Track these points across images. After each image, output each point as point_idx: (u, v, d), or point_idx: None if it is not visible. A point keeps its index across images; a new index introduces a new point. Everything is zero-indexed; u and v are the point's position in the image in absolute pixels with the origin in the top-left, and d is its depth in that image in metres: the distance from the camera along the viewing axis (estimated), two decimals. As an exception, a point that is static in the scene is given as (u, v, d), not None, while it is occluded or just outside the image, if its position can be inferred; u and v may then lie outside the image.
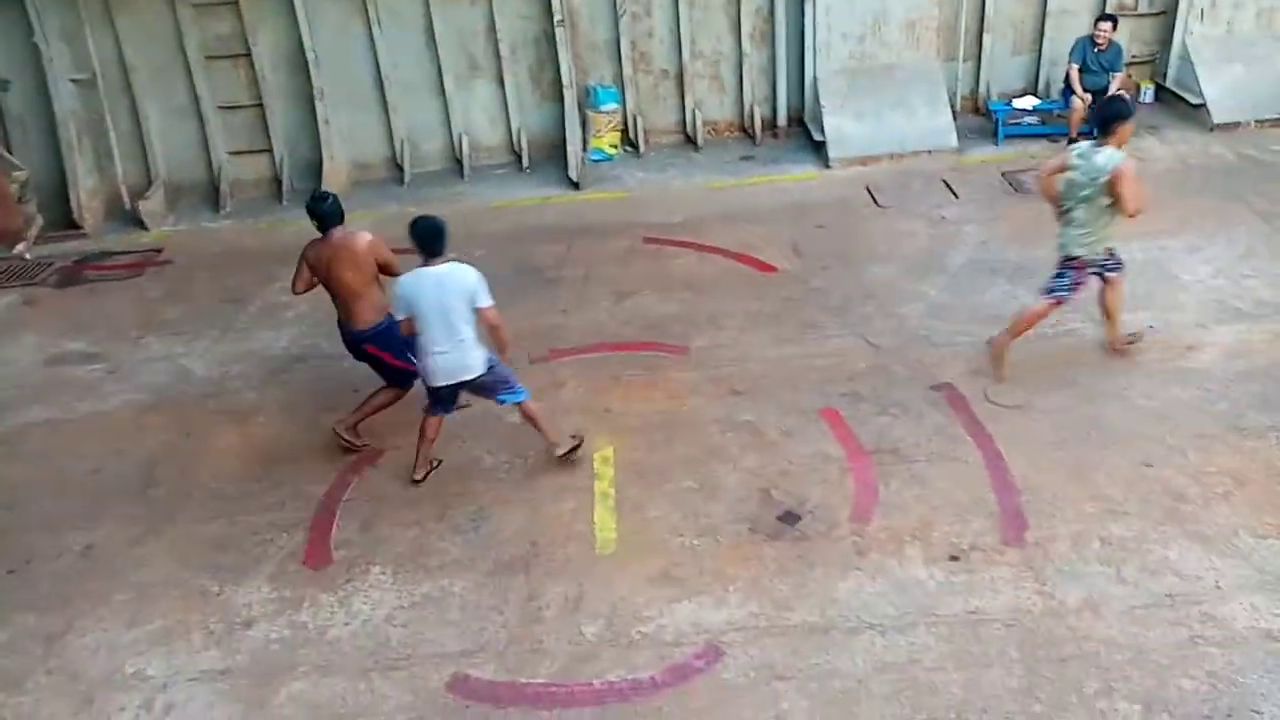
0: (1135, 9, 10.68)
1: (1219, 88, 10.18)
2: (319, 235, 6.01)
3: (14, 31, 9.77)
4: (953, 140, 9.92)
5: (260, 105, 10.37)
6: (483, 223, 9.42)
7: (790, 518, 5.50)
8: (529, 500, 5.82)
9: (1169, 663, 4.43)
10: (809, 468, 5.85)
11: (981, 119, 10.58)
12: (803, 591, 5.01)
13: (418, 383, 6.07)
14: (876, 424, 6.14)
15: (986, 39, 10.67)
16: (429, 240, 5.48)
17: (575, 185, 10.05)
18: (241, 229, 9.72)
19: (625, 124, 10.81)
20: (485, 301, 5.54)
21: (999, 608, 4.79)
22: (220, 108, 10.39)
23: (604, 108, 10.56)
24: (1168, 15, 10.60)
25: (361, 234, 5.99)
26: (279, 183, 10.47)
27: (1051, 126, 10.06)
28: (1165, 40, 10.69)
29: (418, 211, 9.59)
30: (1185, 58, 10.48)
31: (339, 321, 6.17)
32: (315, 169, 10.07)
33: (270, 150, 10.54)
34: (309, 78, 10.18)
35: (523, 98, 10.67)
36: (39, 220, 9.95)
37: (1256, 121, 9.96)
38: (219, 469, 6.33)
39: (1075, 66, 9.75)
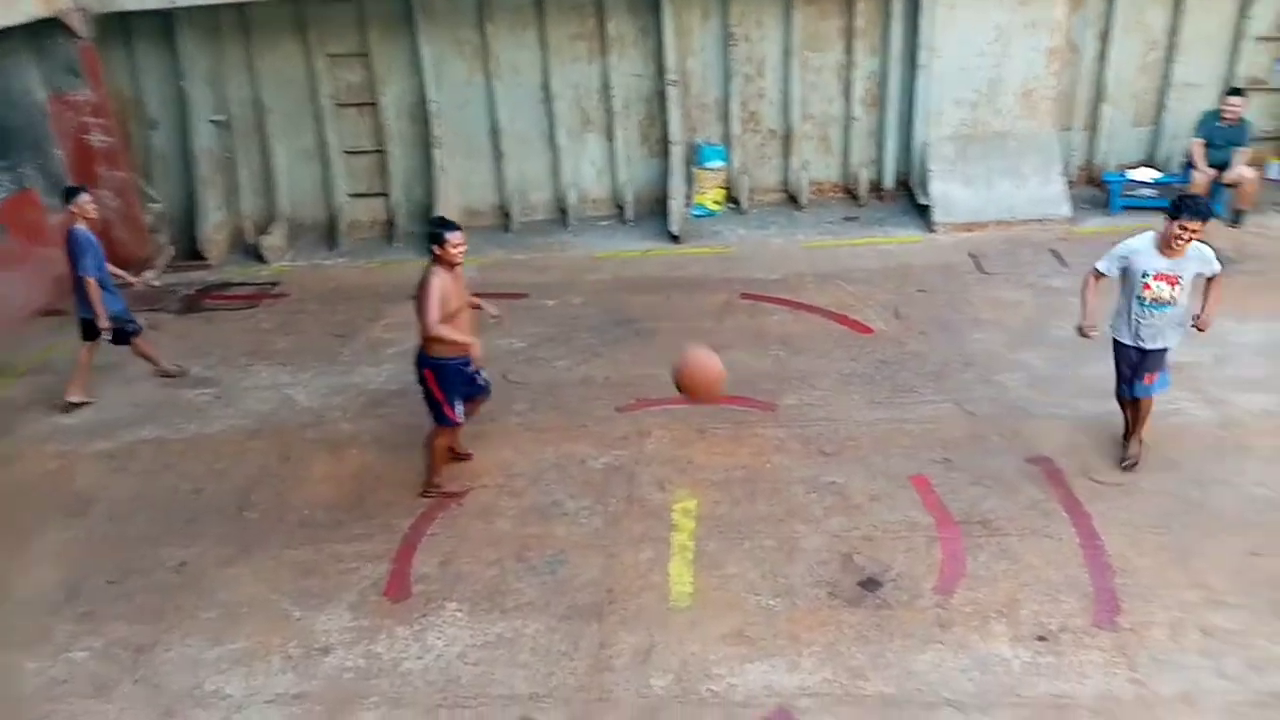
0: (1268, 83, 10.31)
1: (1355, 166, 9.72)
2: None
3: (165, 75, 10.53)
4: (1065, 209, 9.69)
5: (382, 151, 10.87)
6: (584, 272, 9.59)
7: (872, 584, 5.36)
8: (607, 548, 5.82)
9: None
10: (895, 534, 5.69)
11: (1096, 190, 10.31)
12: (880, 661, 4.86)
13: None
14: (968, 494, 5.95)
15: (1105, 109, 10.45)
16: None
17: (676, 239, 10.17)
18: (354, 267, 10.14)
19: (729, 181, 10.92)
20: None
21: (1087, 694, 4.55)
22: (345, 152, 10.93)
23: (709, 165, 10.70)
24: (1303, 92, 10.22)
25: None
26: (392, 225, 10.91)
27: (1169, 200, 9.68)
28: (1300, 117, 10.29)
29: (524, 259, 10.12)
30: (1318, 134, 10.06)
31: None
32: (427, 213, 10.47)
33: (387, 194, 11.01)
34: (429, 126, 10.63)
35: (631, 152, 10.90)
36: (169, 250, 10.59)
37: (1397, 203, 9.46)
38: (312, 496, 6.53)
39: (1200, 141, 9.43)
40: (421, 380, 6.15)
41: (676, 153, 10.50)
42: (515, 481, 6.47)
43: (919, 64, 10.05)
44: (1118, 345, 6.01)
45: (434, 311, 5.75)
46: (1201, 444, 6.23)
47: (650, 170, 10.91)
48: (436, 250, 5.85)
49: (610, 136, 10.81)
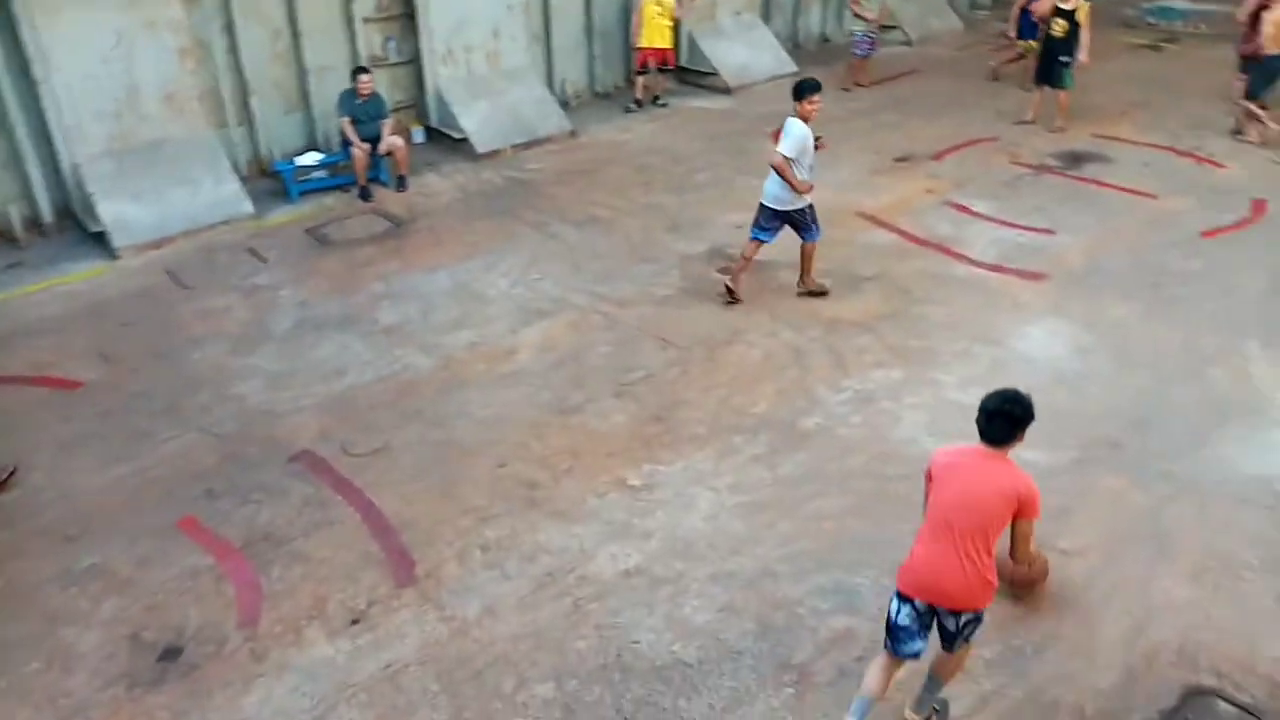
0: (387, 59, 11.47)
1: (474, 121, 11.44)
2: None
3: None
4: (247, 207, 9.66)
5: None
6: None
7: (171, 654, 4.85)
8: None
9: (563, 633, 4.85)
10: (179, 590, 5.21)
11: (272, 181, 10.49)
12: (206, 727, 4.47)
13: None
14: (241, 516, 5.70)
15: (254, 102, 10.59)
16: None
17: None
18: None
19: None
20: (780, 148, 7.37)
21: (410, 651, 4.77)
22: None
23: None
24: (416, 63, 11.58)
25: None
26: None
27: (341, 177, 10.35)
28: (421, 85, 11.68)
29: None
30: (441, 98, 11.56)
31: None
32: None
33: None
34: None
35: None
36: None
37: (512, 147, 11.40)
38: None
39: (346, 119, 10.14)
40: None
41: None
42: None
43: (35, 79, 8.95)
44: (782, 211, 7.56)
45: None
46: (432, 389, 6.85)
47: None
48: None
49: None
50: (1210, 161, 10.50)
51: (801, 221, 7.69)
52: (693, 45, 13.56)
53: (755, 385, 6.84)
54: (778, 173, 7.37)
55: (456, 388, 6.85)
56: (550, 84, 12.67)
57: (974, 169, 10.45)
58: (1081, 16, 11.17)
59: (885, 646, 4.12)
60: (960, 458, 3.98)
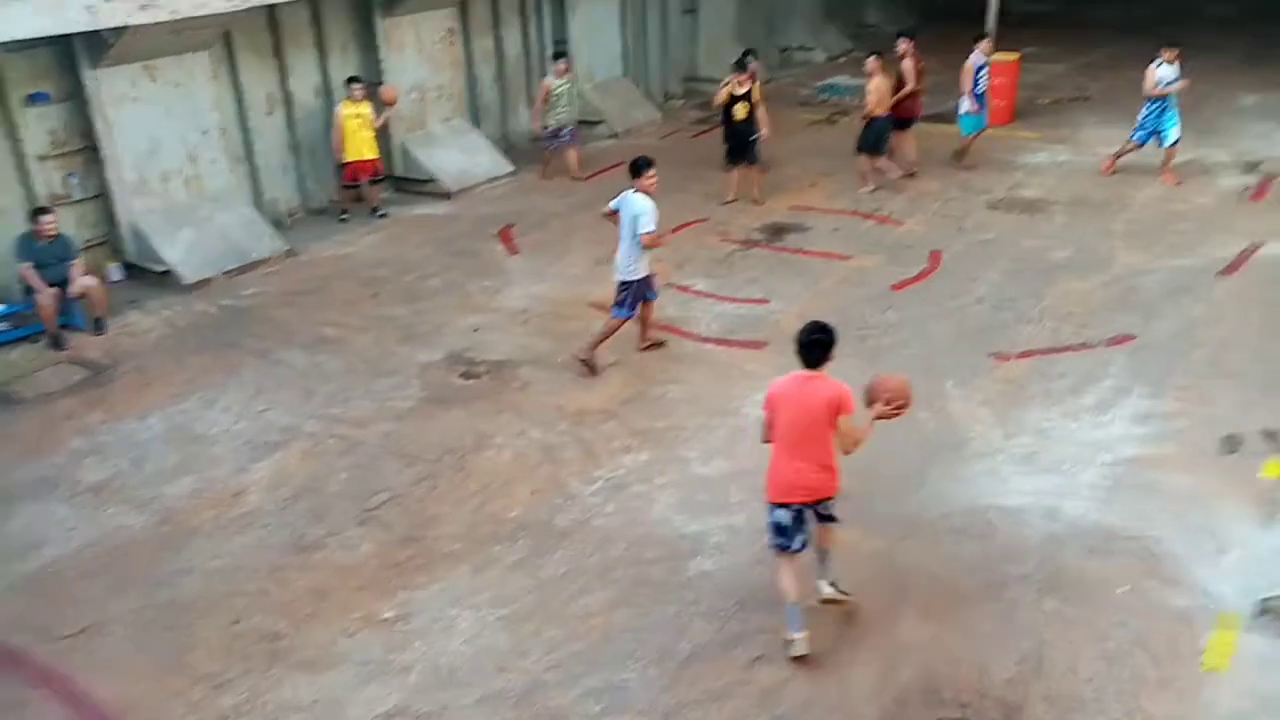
0: (70, 197, 10.59)
1: (178, 252, 10.74)
2: None
3: None
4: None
5: None
6: None
7: None
8: None
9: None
10: None
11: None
12: None
13: None
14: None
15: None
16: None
17: None
18: None
19: None
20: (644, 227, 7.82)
21: None
22: None
23: None
24: (105, 197, 10.77)
25: None
26: None
27: (28, 327, 9.37)
28: (112, 219, 10.86)
29: None
30: (137, 231, 10.79)
31: None
32: None
33: None
34: None
35: None
36: None
37: (224, 274, 10.79)
38: None
39: (26, 264, 9.23)
40: None
41: None
42: None
43: None
44: (637, 281, 8.11)
45: None
46: (151, 548, 6.21)
47: None
48: None
49: None
50: (890, 220, 11.65)
51: (628, 296, 8.22)
52: (406, 154, 13.53)
53: (509, 489, 6.74)
54: (653, 244, 8.03)
55: (180, 542, 6.25)
56: (259, 205, 12.16)
57: (690, 250, 11.01)
58: (756, 96, 12.23)
59: (780, 551, 5.17)
60: (792, 385, 5.06)
